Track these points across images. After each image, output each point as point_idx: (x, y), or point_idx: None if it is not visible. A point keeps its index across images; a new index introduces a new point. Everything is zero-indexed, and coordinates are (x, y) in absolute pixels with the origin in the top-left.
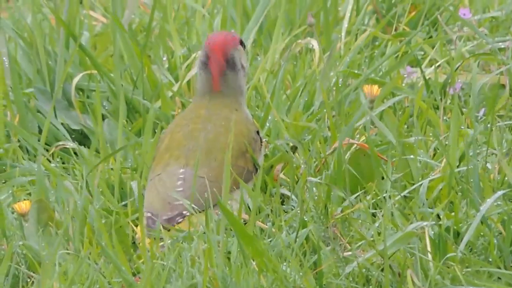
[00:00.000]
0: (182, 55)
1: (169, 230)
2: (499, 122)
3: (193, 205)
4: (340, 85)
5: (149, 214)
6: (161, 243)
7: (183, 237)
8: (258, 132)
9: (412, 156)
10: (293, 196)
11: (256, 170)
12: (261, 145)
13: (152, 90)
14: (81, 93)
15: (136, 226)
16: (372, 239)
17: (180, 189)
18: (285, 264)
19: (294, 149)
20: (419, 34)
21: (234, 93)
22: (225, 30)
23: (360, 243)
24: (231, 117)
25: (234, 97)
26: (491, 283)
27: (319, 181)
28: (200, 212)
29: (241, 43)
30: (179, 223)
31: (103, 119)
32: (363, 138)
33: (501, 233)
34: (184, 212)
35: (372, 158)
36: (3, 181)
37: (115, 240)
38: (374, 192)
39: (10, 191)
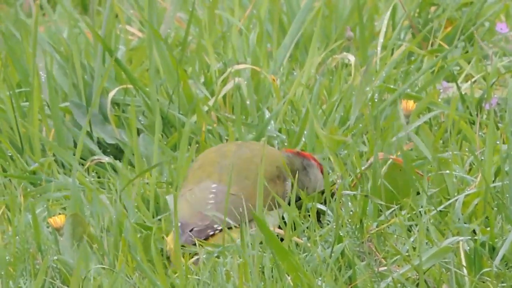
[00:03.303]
0: (218, 70)
1: (200, 245)
2: None
3: (227, 219)
4: (376, 100)
5: (179, 224)
6: (196, 257)
7: (218, 252)
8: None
9: (447, 171)
10: (328, 211)
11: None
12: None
13: (188, 104)
14: (116, 107)
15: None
16: (407, 254)
17: (212, 202)
18: (320, 279)
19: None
20: (455, 49)
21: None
22: None
23: (395, 258)
24: (266, 145)
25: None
26: None
27: (354, 193)
28: (231, 228)
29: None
30: (210, 236)
31: (139, 134)
32: (399, 153)
33: None
34: (216, 226)
35: (408, 173)
36: (39, 195)
37: (153, 255)
38: (409, 207)
39: (45, 205)
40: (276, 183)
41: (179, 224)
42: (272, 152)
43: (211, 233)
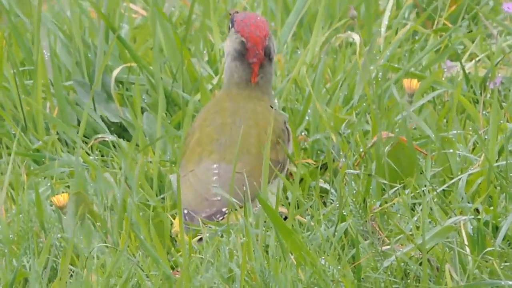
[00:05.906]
0: (222, 48)
1: (204, 223)
2: None
3: (234, 200)
4: (380, 79)
5: (185, 211)
6: (199, 236)
7: (221, 231)
8: (285, 122)
9: (451, 150)
10: (332, 190)
11: (287, 161)
12: (289, 135)
13: (192, 83)
14: (120, 86)
15: (175, 219)
16: (410, 233)
17: (216, 186)
18: (323, 257)
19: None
20: (459, 28)
21: (265, 83)
22: (251, 12)
23: (398, 237)
24: (258, 110)
25: (264, 87)
26: None
27: (358, 172)
28: (240, 208)
29: None
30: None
31: (142, 112)
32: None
33: None
34: (224, 210)
35: (411, 152)
36: (42, 174)
37: (153, 234)
38: (413, 186)
39: (49, 184)
40: (277, 149)
41: (185, 211)
42: (267, 118)
43: (221, 218)
